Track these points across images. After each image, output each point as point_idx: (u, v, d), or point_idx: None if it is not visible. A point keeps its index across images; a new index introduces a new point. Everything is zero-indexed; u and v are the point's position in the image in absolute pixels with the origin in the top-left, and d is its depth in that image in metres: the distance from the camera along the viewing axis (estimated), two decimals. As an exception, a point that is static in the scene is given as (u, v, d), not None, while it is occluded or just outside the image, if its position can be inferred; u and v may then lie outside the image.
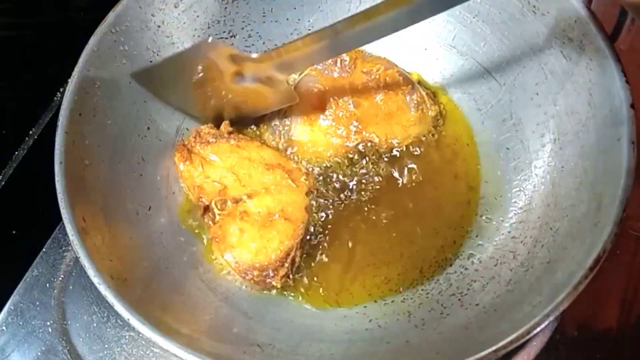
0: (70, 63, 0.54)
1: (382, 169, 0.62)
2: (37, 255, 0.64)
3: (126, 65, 0.58)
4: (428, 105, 0.62)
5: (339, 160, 0.62)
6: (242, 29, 0.66)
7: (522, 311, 0.46)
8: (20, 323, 0.61)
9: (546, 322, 0.42)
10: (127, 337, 0.59)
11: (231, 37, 0.65)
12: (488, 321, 0.49)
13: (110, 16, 0.56)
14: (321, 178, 0.62)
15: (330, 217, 0.60)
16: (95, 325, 0.60)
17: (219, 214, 0.58)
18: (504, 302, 0.50)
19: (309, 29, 0.67)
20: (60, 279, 0.63)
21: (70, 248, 0.63)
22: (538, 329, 0.42)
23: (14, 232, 0.63)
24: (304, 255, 0.58)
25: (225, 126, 0.62)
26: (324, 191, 0.61)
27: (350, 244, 0.59)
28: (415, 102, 0.62)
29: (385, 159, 0.62)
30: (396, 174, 0.62)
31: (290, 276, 0.57)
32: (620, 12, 0.71)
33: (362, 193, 0.61)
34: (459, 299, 0.54)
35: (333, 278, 0.58)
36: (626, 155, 0.47)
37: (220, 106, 0.62)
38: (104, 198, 0.53)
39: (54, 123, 0.52)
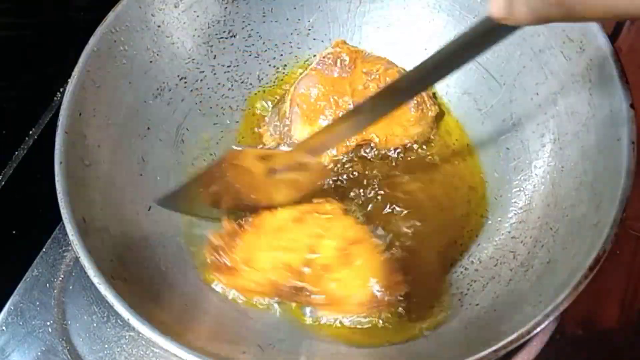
0: (70, 63, 0.54)
1: (382, 169, 0.62)
2: (37, 255, 0.64)
3: (126, 65, 0.58)
4: (428, 105, 0.62)
5: (339, 160, 0.62)
6: (242, 29, 0.66)
7: (522, 311, 0.45)
8: (20, 323, 0.61)
9: (546, 322, 0.42)
10: (127, 337, 0.59)
11: (231, 37, 0.65)
12: (488, 321, 0.49)
13: (110, 16, 0.56)
14: (321, 178, 0.62)
15: (330, 217, 0.60)
16: (95, 325, 0.60)
17: (312, 289, 0.53)
18: (504, 302, 0.50)
19: (309, 29, 0.67)
20: (60, 279, 0.62)
21: (70, 248, 0.63)
22: (538, 329, 0.42)
23: (14, 232, 0.63)
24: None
25: (228, 221, 0.57)
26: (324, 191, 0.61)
27: (350, 244, 0.59)
28: (415, 102, 0.62)
29: (385, 159, 0.62)
30: (396, 174, 0.62)
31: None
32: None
33: (362, 193, 0.61)
34: (459, 299, 0.54)
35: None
36: (626, 156, 0.47)
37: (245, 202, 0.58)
38: (104, 198, 0.53)
39: (54, 123, 0.52)
